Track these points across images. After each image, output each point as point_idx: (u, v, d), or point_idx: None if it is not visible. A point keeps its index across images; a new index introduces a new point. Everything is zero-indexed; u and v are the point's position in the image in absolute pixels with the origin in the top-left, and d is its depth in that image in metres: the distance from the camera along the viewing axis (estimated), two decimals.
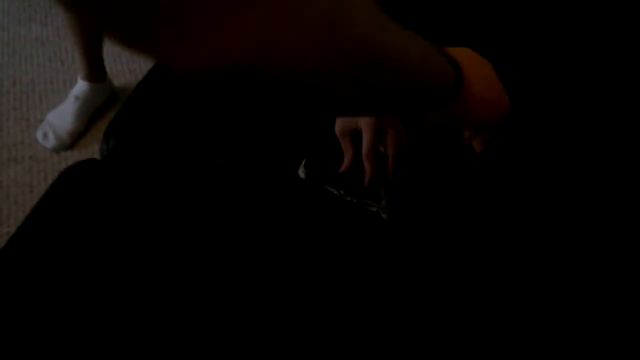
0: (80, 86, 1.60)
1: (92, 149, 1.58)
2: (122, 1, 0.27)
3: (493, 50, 0.74)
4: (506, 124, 0.59)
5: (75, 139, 1.60)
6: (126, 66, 1.82)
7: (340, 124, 0.72)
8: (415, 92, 0.46)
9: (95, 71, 1.59)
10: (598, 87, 0.74)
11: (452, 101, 0.50)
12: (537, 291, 0.63)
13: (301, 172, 0.72)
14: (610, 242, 0.65)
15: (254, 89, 0.34)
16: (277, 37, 0.31)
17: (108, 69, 1.66)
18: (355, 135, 0.71)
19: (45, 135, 1.59)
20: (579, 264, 0.64)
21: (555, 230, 0.67)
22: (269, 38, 0.31)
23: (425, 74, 0.46)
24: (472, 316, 0.61)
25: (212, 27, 0.29)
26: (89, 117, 1.62)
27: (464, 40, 0.58)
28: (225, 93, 0.35)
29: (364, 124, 0.70)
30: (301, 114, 0.77)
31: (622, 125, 0.72)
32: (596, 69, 0.74)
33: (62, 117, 1.60)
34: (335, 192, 0.70)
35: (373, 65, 0.38)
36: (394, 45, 0.40)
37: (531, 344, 0.60)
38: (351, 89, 0.39)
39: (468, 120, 0.55)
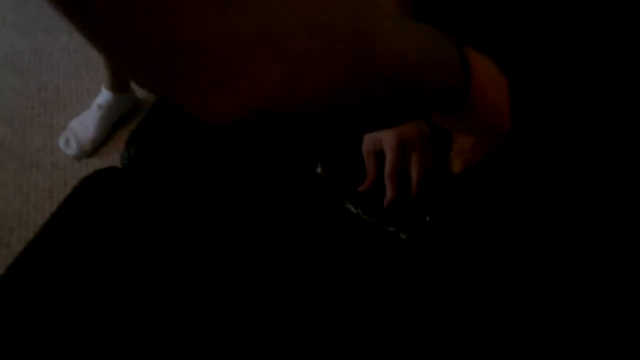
0: (104, 95, 1.62)
1: (112, 158, 1.59)
2: (153, 58, 0.27)
3: (496, 51, 0.74)
4: (497, 147, 0.58)
5: (97, 147, 1.62)
6: None
7: (367, 143, 0.72)
8: (427, 95, 0.46)
9: (119, 82, 1.62)
10: (599, 90, 0.73)
11: (464, 100, 0.50)
12: (549, 302, 0.62)
13: (319, 171, 0.73)
14: (611, 243, 0.64)
15: (281, 127, 0.34)
16: (301, 84, 0.30)
17: None
18: (380, 156, 0.71)
19: (67, 143, 1.61)
20: (587, 266, 0.63)
21: (561, 234, 0.66)
22: (294, 85, 0.30)
23: (438, 74, 0.45)
24: (485, 337, 0.60)
25: (239, 83, 0.28)
26: (111, 126, 1.64)
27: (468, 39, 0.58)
28: (251, 132, 0.35)
29: (388, 146, 0.70)
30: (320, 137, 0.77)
31: (622, 127, 0.71)
32: (596, 71, 0.74)
33: (85, 125, 1.62)
34: (353, 210, 0.70)
35: (395, 81, 0.38)
36: (412, 54, 0.39)
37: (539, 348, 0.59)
38: (374, 108, 0.39)
39: (474, 122, 0.54)
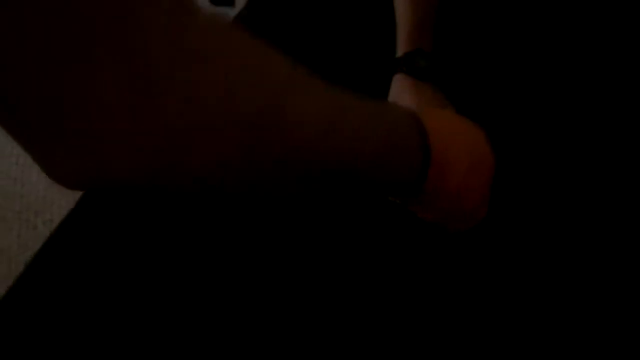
0: None
1: None
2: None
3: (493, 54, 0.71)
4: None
5: None
6: None
7: None
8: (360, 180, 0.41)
9: None
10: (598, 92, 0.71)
11: (416, 188, 0.44)
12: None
13: None
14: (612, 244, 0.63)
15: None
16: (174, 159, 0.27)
17: None
18: None
19: None
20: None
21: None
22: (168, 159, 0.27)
23: (381, 159, 0.40)
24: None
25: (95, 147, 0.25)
26: None
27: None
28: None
29: None
30: None
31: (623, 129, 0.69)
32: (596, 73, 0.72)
33: None
34: None
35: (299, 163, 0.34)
36: (349, 145, 0.36)
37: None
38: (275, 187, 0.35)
39: (435, 207, 0.48)
